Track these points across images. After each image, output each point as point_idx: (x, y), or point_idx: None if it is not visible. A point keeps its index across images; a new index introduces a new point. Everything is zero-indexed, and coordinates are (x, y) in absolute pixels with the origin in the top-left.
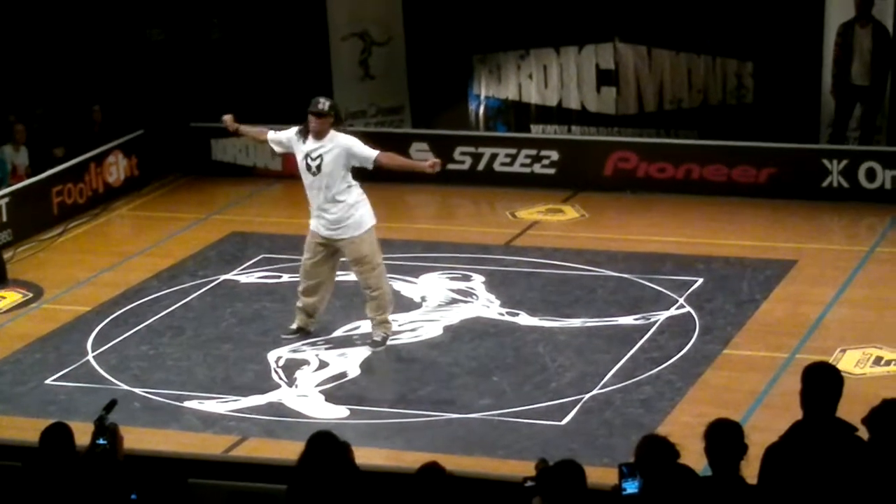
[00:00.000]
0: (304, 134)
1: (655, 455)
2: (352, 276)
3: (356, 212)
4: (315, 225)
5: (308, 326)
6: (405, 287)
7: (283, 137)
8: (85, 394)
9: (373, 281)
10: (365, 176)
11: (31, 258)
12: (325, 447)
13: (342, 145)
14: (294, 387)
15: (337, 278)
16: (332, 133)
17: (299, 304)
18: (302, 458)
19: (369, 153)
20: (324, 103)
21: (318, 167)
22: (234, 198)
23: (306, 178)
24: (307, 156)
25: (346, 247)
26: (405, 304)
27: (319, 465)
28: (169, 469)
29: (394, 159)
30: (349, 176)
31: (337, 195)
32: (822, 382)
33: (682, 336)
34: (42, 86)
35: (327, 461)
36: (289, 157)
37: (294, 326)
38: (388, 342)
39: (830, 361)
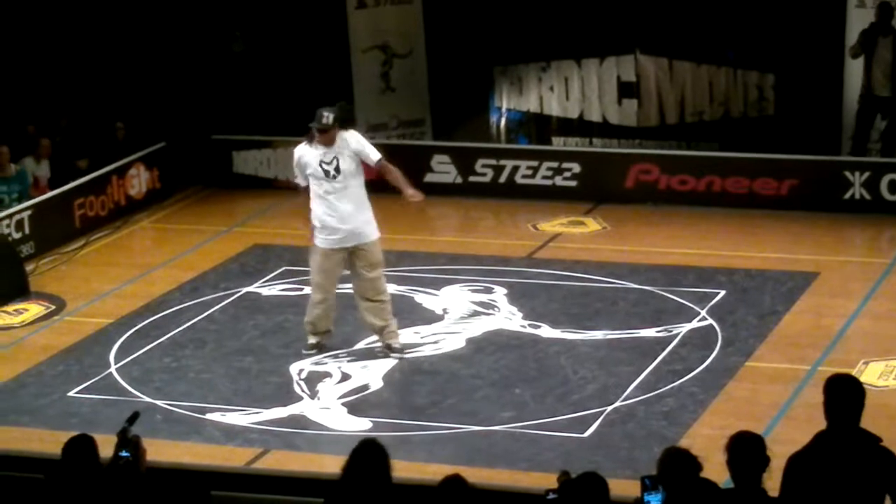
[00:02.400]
0: (310, 142)
1: (678, 468)
2: None
3: (371, 214)
4: (329, 242)
5: (325, 341)
6: (427, 299)
7: (300, 168)
8: (107, 406)
9: (382, 285)
10: (388, 189)
11: (54, 271)
12: (371, 456)
13: (351, 144)
14: (316, 399)
15: None
16: (340, 134)
17: (312, 321)
18: (347, 467)
19: (374, 154)
20: (327, 117)
21: (337, 169)
22: (256, 210)
23: (322, 185)
24: (321, 162)
25: (367, 249)
26: (427, 317)
27: (365, 474)
28: (191, 481)
29: (391, 172)
30: (363, 178)
31: (358, 195)
32: (844, 393)
33: (704, 348)
34: (66, 98)
35: (373, 470)
36: None
37: (313, 342)
38: (411, 354)
39: (853, 374)
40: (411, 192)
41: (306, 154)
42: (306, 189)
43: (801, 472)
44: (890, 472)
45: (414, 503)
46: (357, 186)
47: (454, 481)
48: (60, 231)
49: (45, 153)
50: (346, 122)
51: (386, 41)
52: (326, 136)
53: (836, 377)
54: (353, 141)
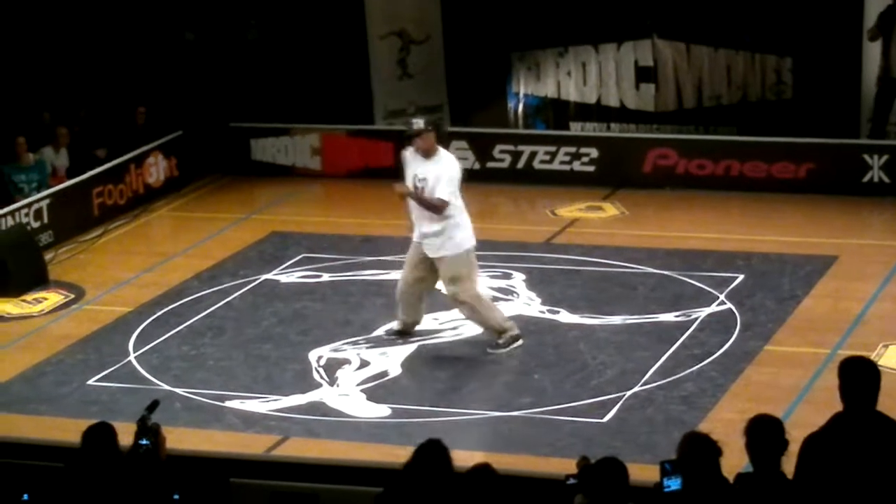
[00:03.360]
0: (415, 152)
1: (698, 453)
2: (393, 275)
3: (456, 232)
4: (416, 237)
5: (411, 332)
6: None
7: (404, 173)
8: (127, 394)
9: (467, 297)
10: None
11: (72, 259)
12: (434, 455)
13: (440, 171)
14: (335, 386)
15: (378, 277)
16: (441, 153)
17: (403, 312)
18: (409, 465)
19: (442, 192)
20: (417, 122)
21: (424, 189)
22: (274, 197)
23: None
24: (415, 176)
25: (440, 265)
26: (446, 303)
27: (426, 473)
28: (211, 469)
29: (424, 199)
30: (454, 197)
31: (440, 219)
32: (858, 376)
33: (723, 332)
34: (84, 88)
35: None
36: (327, 157)
37: (398, 328)
38: (431, 340)
39: (873, 357)
40: (404, 187)
41: (408, 164)
42: None
43: (816, 453)
44: None
45: (441, 490)
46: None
47: (483, 470)
48: (79, 220)
49: (64, 142)
50: (440, 135)
51: (403, 27)
52: (421, 141)
53: (851, 359)
54: (442, 169)
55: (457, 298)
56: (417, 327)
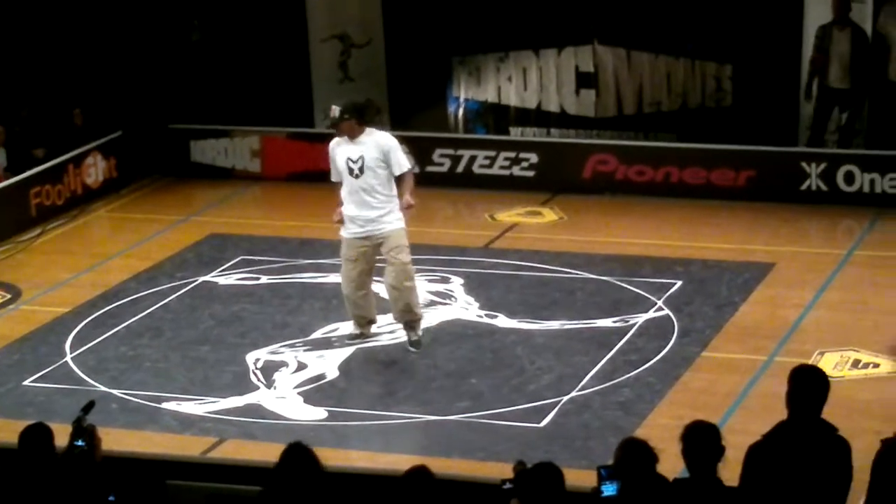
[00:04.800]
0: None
1: (635, 458)
2: (332, 279)
3: (396, 209)
4: (351, 231)
5: (368, 332)
6: (384, 289)
7: (334, 163)
8: (63, 395)
9: (412, 271)
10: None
11: (9, 259)
12: (299, 460)
13: (380, 144)
14: (272, 388)
15: (316, 280)
16: (369, 131)
17: (356, 312)
18: (276, 469)
19: (403, 163)
20: (334, 110)
21: (361, 169)
22: (213, 199)
23: (348, 182)
24: (348, 158)
25: (386, 237)
26: (384, 306)
27: (293, 476)
28: (147, 470)
29: (408, 186)
30: (393, 183)
31: (380, 196)
32: (809, 384)
33: (660, 338)
34: (24, 88)
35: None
36: (267, 159)
37: (357, 332)
38: (366, 344)
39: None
40: (407, 199)
41: (338, 151)
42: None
43: (761, 461)
44: (846, 462)
45: (371, 493)
46: (383, 190)
47: (420, 472)
48: (16, 220)
49: (0, 140)
50: (363, 117)
51: (344, 31)
52: (343, 128)
53: (802, 367)
54: (385, 141)
55: (399, 259)
56: (374, 327)
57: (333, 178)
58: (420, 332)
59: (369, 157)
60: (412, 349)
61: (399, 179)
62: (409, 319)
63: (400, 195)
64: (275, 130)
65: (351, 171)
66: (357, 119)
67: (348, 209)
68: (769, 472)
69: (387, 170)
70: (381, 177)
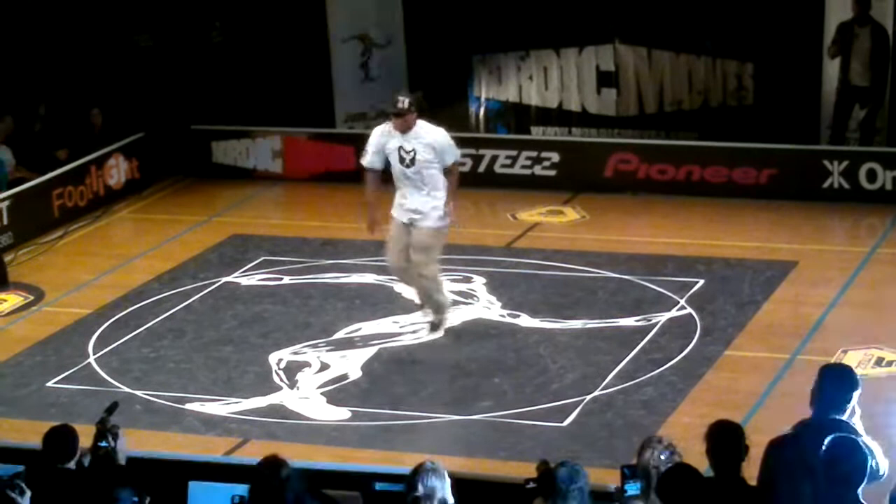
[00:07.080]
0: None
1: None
2: (354, 279)
3: (440, 207)
4: (397, 213)
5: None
6: (406, 288)
7: (375, 151)
8: (86, 396)
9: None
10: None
11: (32, 261)
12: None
13: (432, 142)
14: (295, 389)
15: (339, 280)
16: (421, 124)
17: (409, 284)
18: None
19: (451, 157)
20: (403, 101)
21: (412, 160)
22: (235, 200)
23: (397, 169)
24: (401, 148)
25: (418, 231)
26: (406, 306)
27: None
28: (170, 471)
29: (453, 183)
30: (441, 180)
31: (430, 189)
32: (839, 383)
33: (683, 337)
34: (44, 87)
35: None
36: (288, 160)
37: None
38: (392, 344)
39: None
40: (455, 217)
41: (387, 140)
42: (375, 181)
43: (778, 457)
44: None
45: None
46: (433, 182)
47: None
48: (39, 221)
49: (5, 135)
50: (422, 113)
51: (365, 31)
52: (403, 121)
53: (833, 366)
54: (436, 135)
55: (415, 259)
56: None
57: (366, 163)
58: (442, 317)
59: (421, 153)
60: (431, 333)
61: (452, 179)
62: (430, 306)
63: (449, 191)
64: (296, 131)
65: (402, 160)
66: (418, 114)
67: (398, 194)
68: (787, 466)
69: (437, 167)
70: (429, 172)
